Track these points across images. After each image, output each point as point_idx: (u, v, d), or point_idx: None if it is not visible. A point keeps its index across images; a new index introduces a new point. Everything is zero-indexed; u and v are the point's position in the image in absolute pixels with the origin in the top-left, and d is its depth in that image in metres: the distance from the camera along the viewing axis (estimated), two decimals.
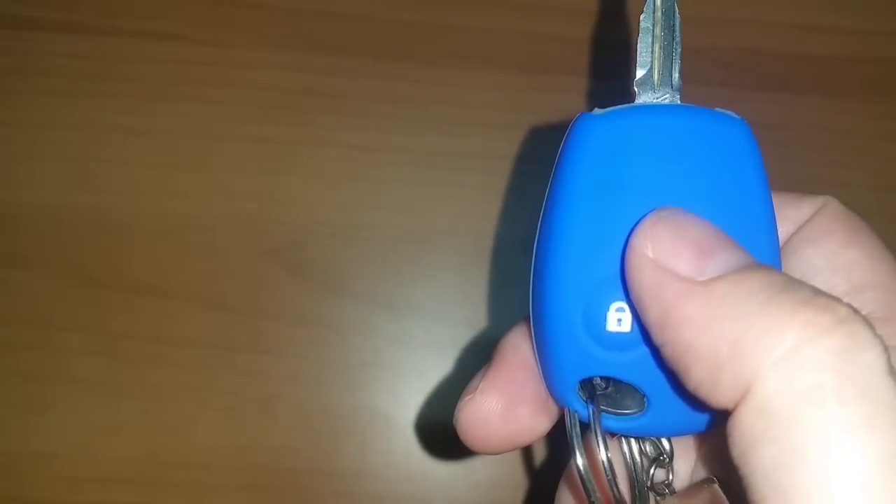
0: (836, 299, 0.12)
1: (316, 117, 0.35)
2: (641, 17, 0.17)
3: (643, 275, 0.14)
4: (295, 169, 0.35)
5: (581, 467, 0.16)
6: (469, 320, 0.34)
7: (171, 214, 0.34)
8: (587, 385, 0.16)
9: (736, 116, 0.16)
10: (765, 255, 0.15)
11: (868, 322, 0.12)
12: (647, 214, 0.14)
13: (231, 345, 0.33)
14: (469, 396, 0.17)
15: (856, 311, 0.12)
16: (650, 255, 0.14)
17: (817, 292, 0.13)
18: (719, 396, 0.13)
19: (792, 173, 0.35)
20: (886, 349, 0.12)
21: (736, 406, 0.12)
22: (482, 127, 0.35)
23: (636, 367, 0.15)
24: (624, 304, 0.15)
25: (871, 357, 0.12)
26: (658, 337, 0.14)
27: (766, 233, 0.15)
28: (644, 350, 0.15)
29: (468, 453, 0.33)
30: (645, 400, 0.16)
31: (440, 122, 0.35)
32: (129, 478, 0.32)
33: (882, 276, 0.16)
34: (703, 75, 0.36)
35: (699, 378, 0.13)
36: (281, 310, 0.34)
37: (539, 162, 0.35)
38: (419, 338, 0.34)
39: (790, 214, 0.17)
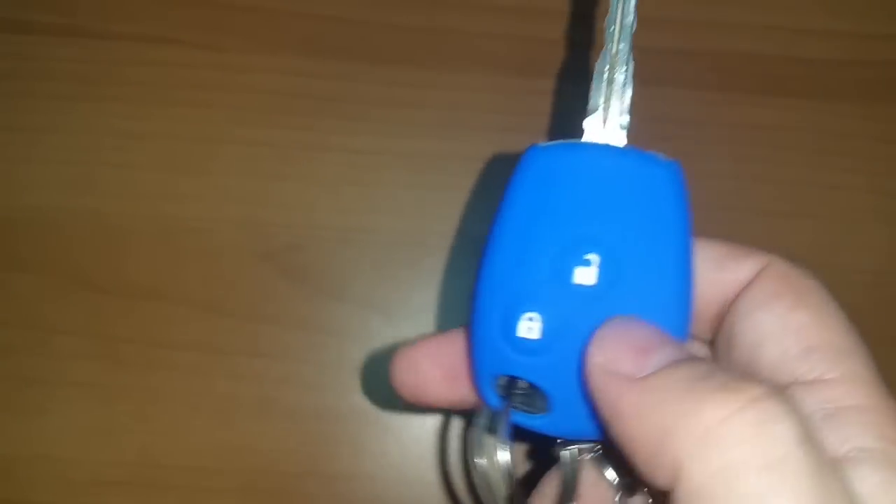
0: (752, 380, 0.14)
1: (313, 121, 0.35)
2: (597, 62, 0.18)
3: (593, 378, 0.16)
4: (292, 172, 0.35)
5: (479, 464, 0.17)
6: (465, 324, 0.34)
7: (168, 217, 0.34)
8: (505, 384, 0.18)
9: (668, 161, 0.17)
10: (668, 295, 0.17)
11: (785, 396, 0.13)
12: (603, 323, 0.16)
13: (227, 348, 0.33)
14: (411, 346, 0.20)
15: (772, 388, 0.13)
16: (598, 361, 0.16)
17: (735, 377, 0.14)
18: (658, 480, 0.14)
19: (788, 176, 0.35)
20: (804, 419, 0.13)
21: (672, 488, 0.14)
22: (479, 130, 0.35)
23: (541, 371, 0.17)
24: (535, 315, 0.17)
25: (783, 428, 0.13)
26: (610, 432, 0.15)
27: (673, 275, 0.17)
28: (550, 357, 0.17)
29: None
30: (548, 401, 0.17)
31: (437, 126, 0.35)
32: (126, 480, 0.32)
33: (831, 337, 0.16)
34: (698, 79, 0.36)
35: (641, 464, 0.14)
36: (277, 313, 0.34)
37: None
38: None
39: (732, 271, 0.18)
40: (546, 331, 0.17)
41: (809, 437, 0.13)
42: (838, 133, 0.36)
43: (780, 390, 0.14)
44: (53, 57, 0.35)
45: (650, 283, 0.16)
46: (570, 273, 0.17)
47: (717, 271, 0.18)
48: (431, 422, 0.33)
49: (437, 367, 0.19)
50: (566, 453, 0.19)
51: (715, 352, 0.19)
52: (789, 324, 0.17)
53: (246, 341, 0.33)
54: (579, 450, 0.19)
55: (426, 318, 0.34)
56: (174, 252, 0.34)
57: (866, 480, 0.14)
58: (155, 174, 0.35)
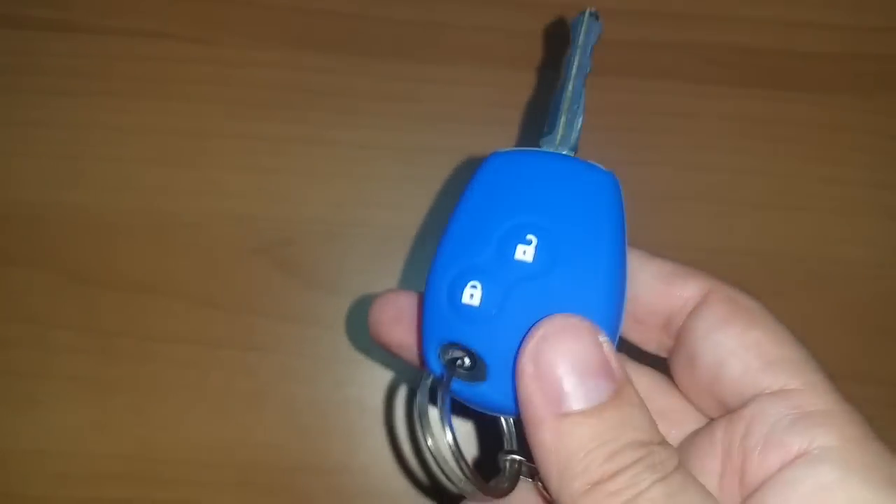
0: (646, 473, 0.16)
1: (306, 114, 0.35)
2: (555, 93, 0.21)
3: (521, 383, 0.17)
4: (285, 166, 0.35)
5: (439, 438, 0.19)
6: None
7: (162, 212, 0.34)
8: (446, 351, 0.19)
9: (605, 171, 0.19)
10: (599, 285, 0.18)
11: (657, 468, 0.16)
12: (541, 320, 0.17)
13: (221, 342, 0.33)
14: (387, 294, 0.22)
15: (646, 455, 0.16)
16: (530, 371, 0.17)
17: (630, 461, 0.16)
18: (555, 498, 0.16)
19: (783, 169, 0.35)
20: (667, 474, 0.16)
21: None
22: (472, 124, 0.35)
23: (479, 337, 0.19)
24: (477, 283, 0.19)
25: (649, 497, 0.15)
26: (527, 433, 0.17)
27: (605, 267, 0.19)
28: (487, 326, 0.18)
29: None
30: (486, 370, 0.19)
31: (430, 119, 0.35)
32: (120, 474, 0.32)
33: (787, 351, 0.18)
34: (694, 72, 0.36)
35: (548, 485, 0.17)
36: (270, 307, 0.34)
37: None
38: None
39: (679, 288, 0.20)
40: (485, 298, 0.18)
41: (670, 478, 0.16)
42: (834, 126, 0.36)
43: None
44: (47, 52, 0.36)
45: (583, 269, 0.18)
46: (511, 250, 0.19)
47: (666, 286, 0.20)
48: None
49: (403, 313, 0.21)
50: (506, 461, 0.20)
51: (674, 367, 0.20)
52: (747, 342, 0.18)
53: (239, 335, 0.33)
54: (520, 463, 0.20)
55: None
56: (167, 246, 0.34)
57: (828, 475, 0.16)
58: (149, 168, 0.35)
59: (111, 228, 0.34)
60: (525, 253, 0.19)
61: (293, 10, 0.36)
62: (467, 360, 0.19)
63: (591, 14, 0.22)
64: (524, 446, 0.18)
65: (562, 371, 0.17)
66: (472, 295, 0.18)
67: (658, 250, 0.32)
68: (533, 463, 0.17)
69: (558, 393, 0.16)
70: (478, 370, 0.19)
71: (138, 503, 0.32)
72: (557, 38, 0.36)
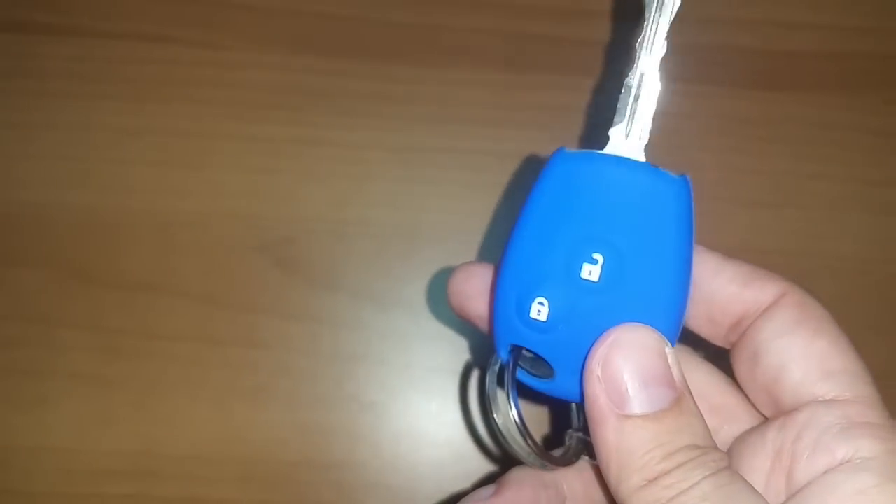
0: (692, 473, 0.17)
1: (306, 116, 0.36)
2: (627, 76, 0.20)
3: (589, 384, 0.18)
4: (285, 166, 0.35)
5: (505, 416, 0.20)
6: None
7: (164, 212, 0.35)
8: (515, 349, 0.20)
9: (678, 177, 0.19)
10: (663, 301, 0.19)
11: (709, 465, 0.17)
12: (613, 328, 0.19)
13: (223, 339, 0.34)
14: (467, 267, 0.23)
15: (699, 455, 0.17)
16: (598, 373, 0.18)
17: (680, 463, 0.17)
18: (616, 498, 0.18)
19: (772, 167, 0.36)
20: (718, 470, 0.17)
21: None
22: (470, 124, 0.36)
23: (546, 346, 0.20)
24: (544, 300, 0.19)
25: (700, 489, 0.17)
26: (590, 429, 0.19)
27: (670, 283, 0.19)
28: (554, 336, 0.19)
29: (457, 443, 0.33)
30: (553, 370, 0.20)
31: (428, 120, 0.36)
32: (123, 470, 0.33)
33: (846, 363, 0.19)
34: (683, 72, 0.37)
35: (606, 478, 0.18)
36: (272, 305, 0.34)
37: (525, 158, 0.36)
38: (407, 331, 0.34)
39: (755, 290, 0.21)
40: (552, 315, 0.19)
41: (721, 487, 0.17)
42: (821, 124, 0.36)
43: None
44: (50, 55, 0.36)
45: (648, 287, 0.19)
46: (578, 268, 0.19)
47: (742, 288, 0.21)
48: (424, 410, 0.34)
49: (482, 290, 0.22)
50: (572, 438, 0.22)
51: (737, 362, 0.21)
52: (810, 351, 0.19)
53: (242, 332, 0.34)
54: (583, 441, 0.22)
55: (419, 309, 0.34)
56: (170, 245, 0.35)
57: (867, 481, 0.17)
58: (151, 169, 0.35)
59: (115, 228, 0.35)
60: (591, 273, 0.19)
61: (293, 14, 0.37)
62: (533, 358, 0.20)
63: None
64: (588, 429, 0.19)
65: (627, 376, 0.18)
66: (539, 311, 0.19)
67: None
68: None
69: (623, 396, 0.18)
70: (544, 366, 0.20)
71: (141, 499, 0.33)
72: (551, 40, 0.37)
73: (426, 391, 0.34)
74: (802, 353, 0.19)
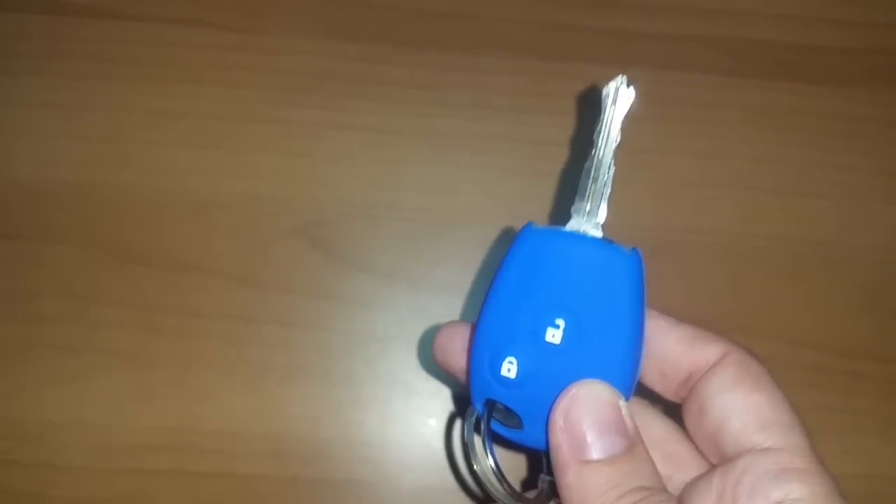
0: None
1: (340, 101, 0.36)
2: (587, 162, 0.23)
3: (553, 433, 0.21)
4: (320, 150, 0.36)
5: (482, 463, 0.23)
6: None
7: (201, 193, 0.35)
8: (489, 403, 0.23)
9: (630, 252, 0.22)
10: (618, 360, 0.22)
11: None
12: (573, 384, 0.21)
13: (258, 318, 0.34)
14: (452, 326, 0.25)
15: (649, 495, 0.20)
16: (560, 424, 0.21)
17: (637, 488, 0.20)
18: None
19: (799, 158, 0.37)
20: None
21: None
22: (500, 111, 0.37)
23: (516, 400, 0.22)
24: (513, 360, 0.22)
25: None
26: (554, 473, 0.21)
27: (625, 344, 0.22)
28: (522, 392, 0.22)
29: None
30: (521, 421, 0.22)
31: (459, 107, 0.37)
32: (160, 445, 0.33)
33: (781, 416, 0.21)
34: (712, 64, 0.38)
35: None
36: (306, 285, 0.35)
37: (553, 144, 0.36)
38: (439, 312, 0.35)
39: (701, 350, 0.23)
40: (520, 372, 0.22)
41: None
42: (848, 117, 0.37)
43: None
44: (89, 38, 0.37)
45: (604, 348, 0.21)
46: (543, 332, 0.22)
47: (690, 348, 0.23)
48: (454, 389, 0.34)
49: (462, 347, 0.24)
50: (543, 482, 0.24)
51: (686, 414, 0.24)
52: (749, 404, 0.22)
53: (277, 311, 0.34)
54: (552, 484, 0.23)
55: (450, 289, 0.35)
56: (207, 226, 0.35)
57: None
58: (188, 151, 0.36)
59: (153, 208, 0.35)
60: (554, 336, 0.21)
61: (328, 1, 0.37)
62: (505, 411, 0.23)
63: (622, 82, 0.22)
64: None
65: (586, 426, 0.21)
66: (509, 369, 0.22)
67: (683, 234, 0.34)
68: None
69: (582, 444, 0.20)
70: (515, 418, 0.23)
71: (177, 474, 0.33)
72: (580, 30, 0.38)
73: None
74: (742, 407, 0.22)
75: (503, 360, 0.22)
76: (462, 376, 0.25)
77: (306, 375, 0.34)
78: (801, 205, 0.36)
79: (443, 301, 0.35)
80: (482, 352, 0.23)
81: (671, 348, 0.23)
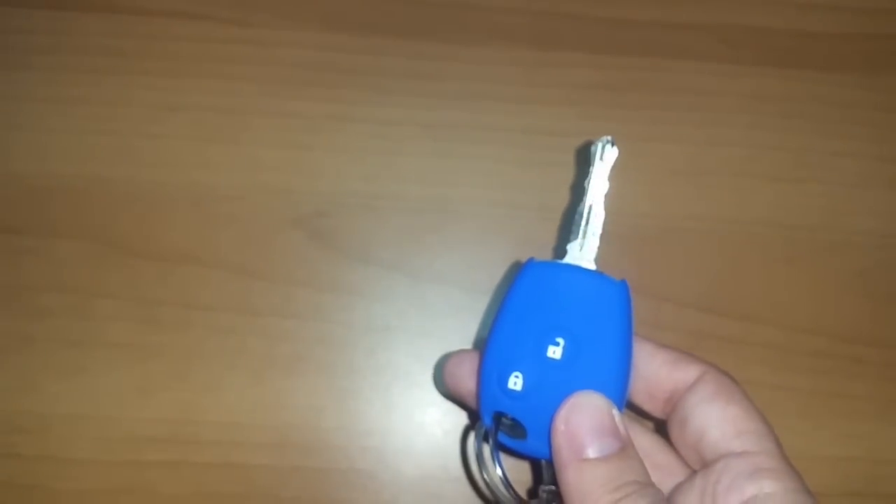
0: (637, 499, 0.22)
1: (339, 92, 0.37)
2: (579, 206, 0.26)
3: (555, 437, 0.24)
4: (319, 142, 0.36)
5: (491, 472, 0.26)
6: (486, 286, 0.35)
7: (201, 185, 0.36)
8: (497, 416, 0.25)
9: (619, 282, 0.25)
10: (611, 374, 0.25)
11: (648, 496, 0.22)
12: (572, 394, 0.24)
13: (259, 310, 0.35)
14: (458, 353, 0.29)
15: (641, 489, 0.22)
16: (562, 429, 0.24)
17: (630, 482, 0.22)
18: None
19: (795, 144, 0.37)
20: (656, 500, 0.22)
21: None
22: (499, 101, 0.37)
23: (521, 411, 0.25)
24: (519, 374, 0.25)
25: None
26: (556, 474, 0.24)
27: (616, 360, 0.25)
28: (527, 403, 0.25)
29: None
30: (526, 432, 0.25)
31: (459, 97, 0.37)
32: (162, 437, 0.33)
33: (753, 424, 0.24)
34: (707, 51, 0.38)
35: None
36: (307, 276, 0.35)
37: (552, 133, 0.37)
38: (439, 303, 0.35)
39: (682, 371, 0.26)
40: (526, 385, 0.25)
41: None
42: (843, 103, 0.37)
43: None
44: (88, 32, 0.37)
45: (599, 363, 0.24)
46: (545, 349, 0.25)
47: (672, 369, 0.26)
48: None
49: (471, 371, 0.27)
50: (543, 492, 0.26)
51: (670, 427, 0.27)
52: (726, 415, 0.25)
53: (278, 303, 0.35)
54: (553, 493, 0.26)
55: (450, 280, 0.35)
56: (207, 218, 0.35)
57: None
58: (188, 144, 0.36)
59: (153, 201, 0.35)
60: (554, 353, 0.25)
61: None
62: (511, 423, 0.25)
63: (608, 141, 0.26)
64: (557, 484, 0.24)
65: (584, 430, 0.23)
66: (515, 383, 0.25)
67: (679, 221, 0.34)
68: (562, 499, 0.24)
69: (580, 445, 0.23)
70: (519, 429, 0.25)
71: (180, 466, 0.33)
72: (577, 19, 0.38)
73: None
74: (719, 418, 0.25)
75: (510, 374, 0.25)
76: (469, 398, 0.28)
77: (307, 366, 0.34)
78: (797, 191, 0.36)
79: (443, 292, 0.35)
80: (491, 368, 0.25)
81: (656, 369, 0.26)
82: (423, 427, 0.34)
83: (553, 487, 0.26)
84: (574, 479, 0.23)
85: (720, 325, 0.35)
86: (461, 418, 0.34)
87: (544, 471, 0.27)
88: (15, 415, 0.33)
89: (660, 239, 0.35)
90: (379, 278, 0.35)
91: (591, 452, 0.23)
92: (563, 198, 0.36)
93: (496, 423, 0.25)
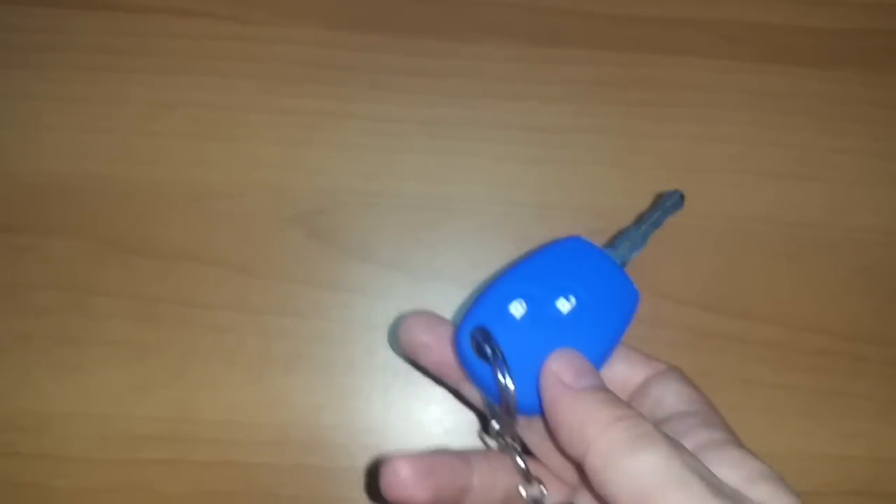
0: (642, 419, 0.23)
1: (338, 90, 0.36)
2: (635, 226, 0.29)
3: (546, 379, 0.25)
4: (318, 139, 0.36)
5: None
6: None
7: (198, 183, 0.35)
8: (478, 331, 0.26)
9: (635, 287, 0.27)
10: (599, 343, 0.27)
11: (659, 433, 0.23)
12: (555, 350, 0.26)
13: (258, 307, 0.34)
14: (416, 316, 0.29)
15: (653, 427, 0.23)
16: (553, 369, 0.25)
17: (630, 413, 0.23)
18: (572, 454, 0.24)
19: (796, 140, 0.37)
20: (669, 445, 0.22)
21: (582, 460, 0.23)
22: (497, 98, 0.37)
23: (510, 339, 0.26)
24: (524, 303, 0.26)
25: (650, 441, 0.22)
26: (545, 412, 0.25)
27: (603, 348, 0.27)
28: (517, 333, 0.26)
29: None
30: (493, 359, 0.25)
31: (457, 94, 0.37)
32: (160, 435, 0.33)
33: (700, 404, 0.27)
34: (708, 48, 0.38)
35: (563, 440, 0.24)
36: (305, 274, 0.35)
37: (552, 131, 0.36)
38: (438, 300, 0.35)
39: (645, 367, 0.28)
40: (524, 317, 0.26)
41: (666, 439, 0.22)
42: (843, 100, 0.37)
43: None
44: (87, 30, 0.37)
45: (592, 334, 0.26)
46: (556, 298, 0.26)
47: (639, 366, 0.28)
48: None
49: (430, 334, 0.28)
50: (491, 441, 0.28)
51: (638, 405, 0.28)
52: (680, 390, 0.27)
53: (276, 301, 0.34)
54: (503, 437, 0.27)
55: (449, 277, 0.35)
56: (205, 216, 0.35)
57: (714, 436, 0.25)
58: (185, 141, 0.36)
59: (149, 199, 0.35)
60: (563, 306, 0.26)
61: None
62: (488, 350, 0.25)
63: (681, 196, 0.30)
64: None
65: (572, 371, 0.25)
66: (516, 308, 0.26)
67: (680, 217, 0.34)
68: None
69: (579, 374, 0.25)
70: (486, 355, 0.25)
71: (178, 464, 0.33)
72: (577, 15, 0.38)
73: None
74: (674, 390, 0.27)
75: (516, 298, 0.26)
76: (422, 352, 0.28)
77: (306, 364, 0.34)
78: (798, 188, 0.36)
79: (442, 289, 0.35)
80: (499, 289, 0.26)
81: (627, 368, 0.28)
82: (423, 425, 0.34)
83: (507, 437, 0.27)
84: (569, 407, 0.24)
85: (720, 323, 0.35)
86: (461, 417, 0.34)
87: (489, 411, 0.28)
88: (12, 413, 0.33)
89: (659, 236, 0.35)
90: (378, 276, 0.35)
91: (583, 384, 0.24)
92: (563, 195, 0.36)
93: (472, 344, 0.26)
